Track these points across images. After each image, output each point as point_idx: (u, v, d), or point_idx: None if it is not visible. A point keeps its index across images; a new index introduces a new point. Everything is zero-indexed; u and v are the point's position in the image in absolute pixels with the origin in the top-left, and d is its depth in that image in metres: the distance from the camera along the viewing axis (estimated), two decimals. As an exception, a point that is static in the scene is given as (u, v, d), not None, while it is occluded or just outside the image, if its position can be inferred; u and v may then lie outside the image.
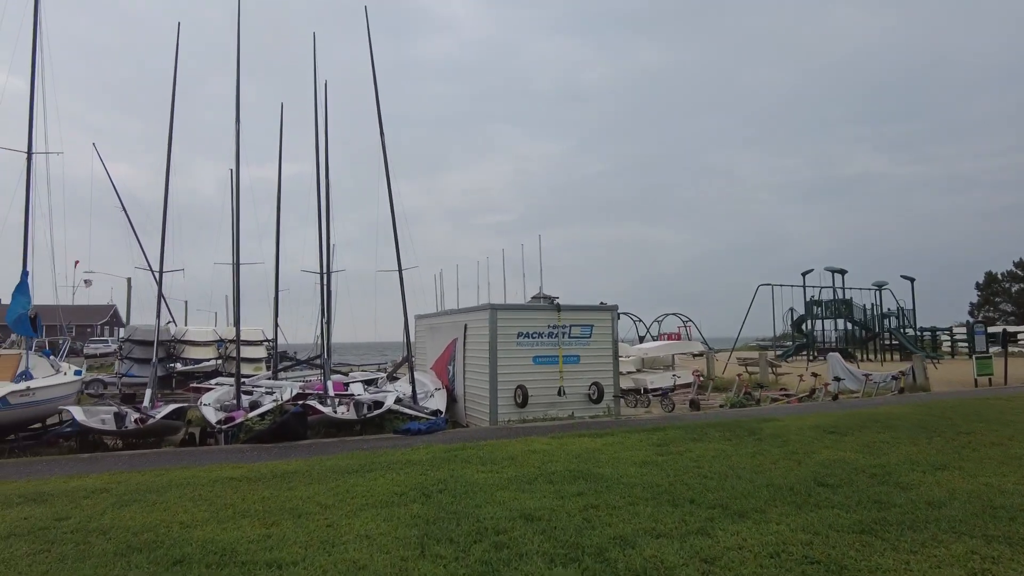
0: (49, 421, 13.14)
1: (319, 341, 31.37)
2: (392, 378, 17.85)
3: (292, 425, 11.07)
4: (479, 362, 13.88)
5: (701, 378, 20.73)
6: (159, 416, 11.12)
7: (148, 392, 13.09)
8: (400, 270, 14.92)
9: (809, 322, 43.21)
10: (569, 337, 14.13)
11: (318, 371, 24.77)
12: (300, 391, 16.81)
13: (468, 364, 14.65)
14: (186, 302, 30.02)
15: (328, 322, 17.35)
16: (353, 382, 20.19)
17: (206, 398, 14.07)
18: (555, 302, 14.03)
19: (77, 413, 10.70)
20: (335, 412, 12.25)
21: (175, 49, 15.29)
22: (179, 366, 24.13)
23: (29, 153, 15.03)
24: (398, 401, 13.17)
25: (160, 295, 14.55)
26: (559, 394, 13.71)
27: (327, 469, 7.80)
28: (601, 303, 14.87)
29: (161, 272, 14.71)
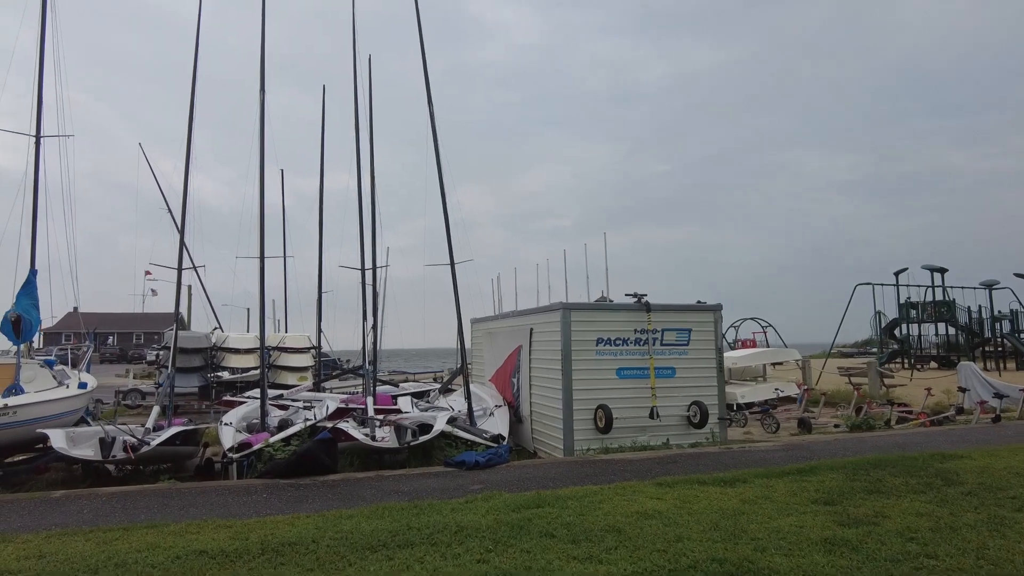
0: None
1: (367, 347, 29.56)
2: (446, 391, 15.38)
3: (316, 455, 8.72)
4: (549, 375, 11.26)
5: (810, 391, 17.53)
6: (155, 443, 8.95)
7: (154, 410, 11.01)
8: (452, 264, 12.47)
9: (904, 326, 38.64)
10: (662, 344, 11.35)
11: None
12: (342, 405, 14.61)
13: (535, 377, 12.04)
14: (211, 305, 28.29)
15: (375, 326, 15.07)
16: (402, 394, 17.93)
17: (230, 416, 11.93)
18: (643, 300, 11.28)
19: (56, 438, 8.66)
20: (372, 439, 9.84)
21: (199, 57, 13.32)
22: (226, 375, 22.40)
23: (38, 137, 13.32)
24: (451, 421, 10.66)
25: (178, 293, 12.54)
26: (651, 417, 10.93)
27: (342, 539, 5.29)
28: (699, 302, 12.04)
29: (180, 269, 12.70)
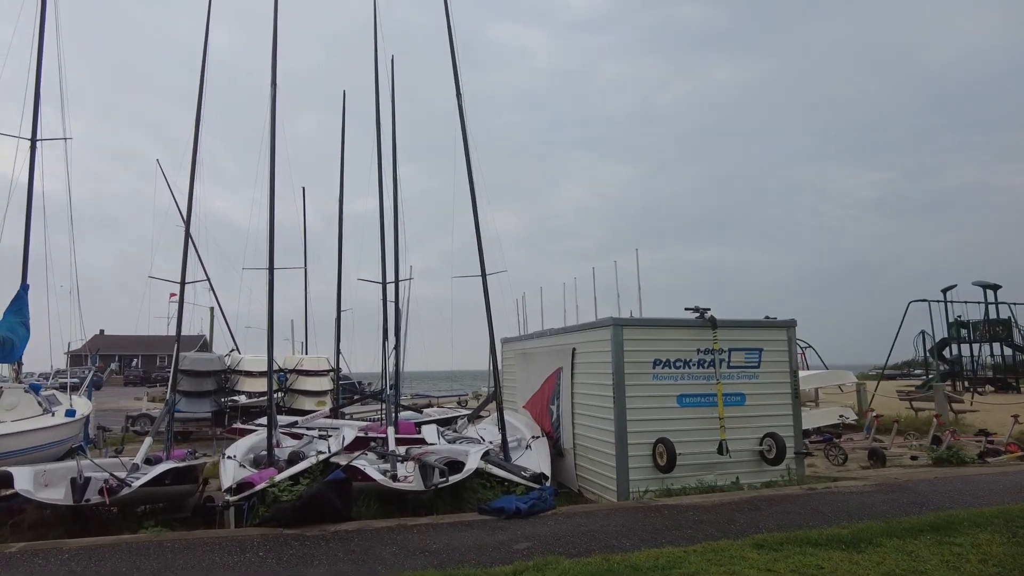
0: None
1: (390, 370, 28.16)
2: (475, 418, 13.85)
3: (327, 499, 7.28)
4: (597, 402, 9.73)
5: (879, 418, 15.70)
6: (138, 483, 7.57)
7: (145, 442, 9.63)
8: (483, 275, 11.03)
9: (954, 346, 36.13)
10: (729, 367, 9.77)
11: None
12: (361, 434, 13.17)
13: (579, 404, 10.50)
14: (227, 324, 27.04)
15: (397, 346, 13.66)
16: (426, 422, 16.44)
17: (235, 447, 10.52)
18: (708, 315, 9.73)
19: (20, 478, 7.33)
20: (393, 478, 8.37)
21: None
22: (243, 399, 21.14)
23: (33, 140, 12.26)
24: (484, 456, 9.14)
25: (181, 309, 11.28)
26: (720, 452, 9.33)
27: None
28: (767, 317, 10.46)
29: (183, 283, 11.45)
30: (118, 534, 7.61)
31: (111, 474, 7.73)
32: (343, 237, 20.62)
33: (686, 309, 9.93)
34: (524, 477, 9.02)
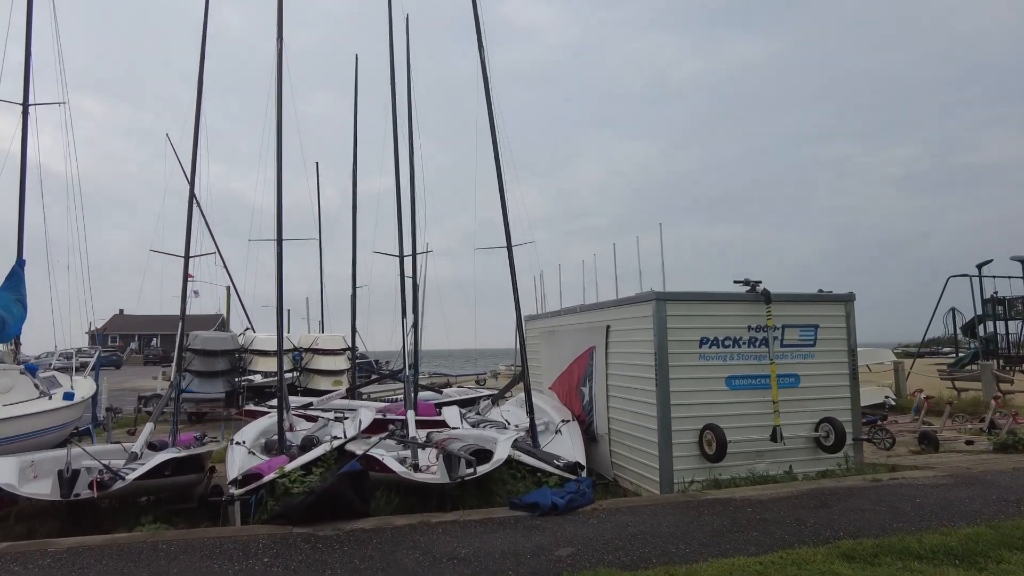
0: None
1: (408, 348, 27.42)
2: (500, 399, 13.02)
3: (342, 494, 6.51)
4: (636, 384, 8.86)
5: (930, 399, 14.69)
6: (132, 476, 6.84)
7: (146, 428, 8.90)
8: (509, 245, 10.12)
9: (988, 324, 34.66)
10: (782, 345, 8.84)
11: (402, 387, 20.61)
12: (379, 416, 12.43)
13: (614, 387, 9.65)
14: (241, 302, 26.35)
15: (416, 323, 12.83)
16: (447, 403, 15.68)
17: (245, 432, 9.80)
18: (760, 288, 8.79)
19: (3, 470, 6.63)
20: (415, 467, 7.58)
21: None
22: (258, 378, 20.51)
23: (25, 105, 11.47)
24: (515, 444, 8.31)
25: (185, 282, 10.53)
26: (773, 439, 8.44)
27: None
28: (820, 291, 9.48)
29: (187, 257, 10.69)
30: (115, 528, 6.94)
31: (104, 466, 7.00)
32: (357, 211, 19.82)
33: (735, 282, 9.00)
34: (558, 467, 8.20)
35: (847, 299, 9.26)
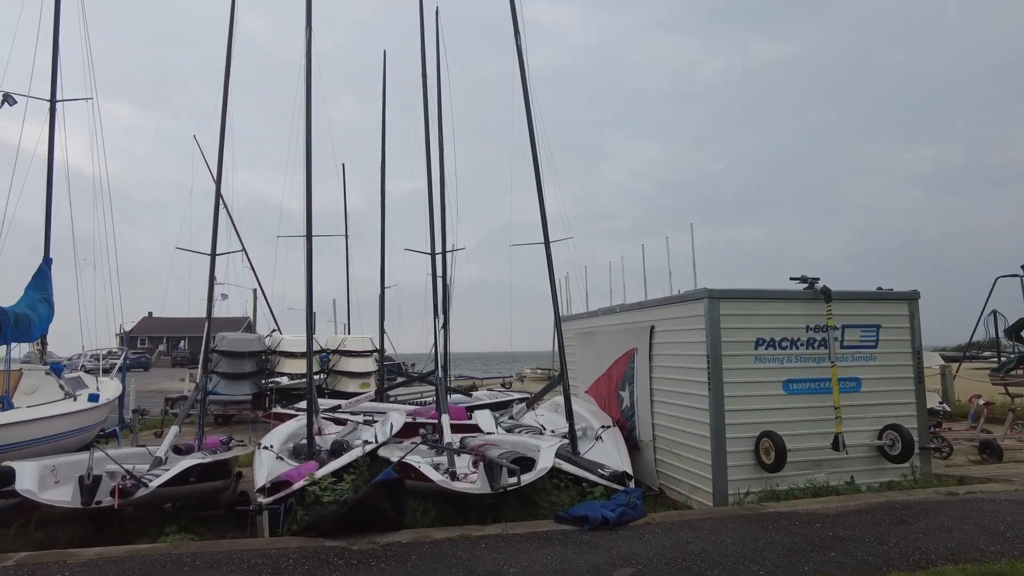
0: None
1: (434, 351, 27.01)
2: (534, 403, 12.50)
3: (377, 505, 6.08)
4: (685, 388, 8.32)
5: (990, 406, 13.89)
6: (155, 483, 6.48)
7: (170, 431, 8.56)
8: (547, 241, 9.64)
9: (1034, 328, 33.18)
10: (842, 347, 8.25)
11: (432, 390, 20.19)
12: (409, 419, 12.03)
13: (659, 391, 9.11)
14: (268, 303, 26.09)
15: (446, 324, 12.40)
16: (478, 406, 15.23)
17: (272, 436, 9.41)
18: (819, 285, 8.20)
19: (24, 475, 6.32)
20: (452, 475, 7.13)
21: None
22: (285, 380, 20.25)
23: (53, 101, 11.29)
24: (556, 453, 7.80)
25: (211, 281, 10.22)
26: (835, 447, 7.84)
27: None
28: (879, 288, 8.85)
29: (213, 255, 10.39)
30: (138, 537, 6.59)
31: (126, 471, 6.65)
32: (385, 210, 19.52)
33: (791, 279, 8.42)
34: (603, 476, 7.71)
35: (911, 297, 8.63)
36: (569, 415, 9.31)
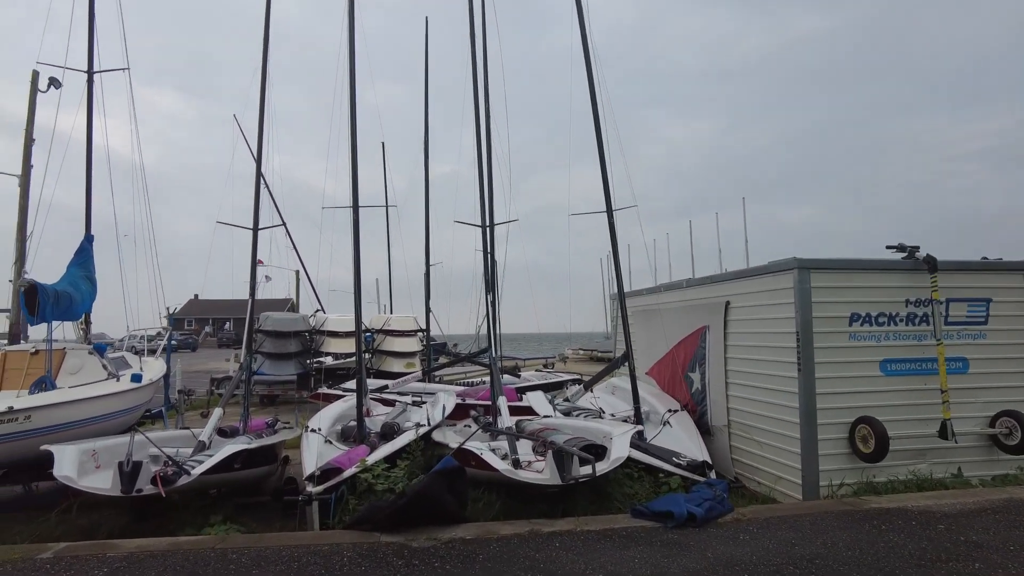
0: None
1: (481, 329, 26.46)
2: (592, 384, 11.79)
3: (437, 497, 5.51)
4: (767, 370, 7.54)
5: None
6: (198, 471, 6.04)
7: (214, 414, 8.14)
8: (610, 210, 8.89)
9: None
10: (946, 323, 7.34)
11: (482, 371, 19.67)
12: (460, 401, 11.49)
13: (735, 372, 8.34)
14: (311, 283, 25.85)
15: (493, 302, 11.76)
16: (529, 387, 14.63)
17: (320, 418, 8.95)
18: (921, 254, 7.29)
19: (62, 460, 5.94)
20: (515, 463, 6.51)
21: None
22: (329, 360, 19.98)
23: (90, 73, 10.92)
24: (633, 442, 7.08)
25: (254, 258, 9.78)
26: (943, 435, 6.97)
27: None
28: (983, 259, 7.87)
29: (256, 229, 9.93)
30: (182, 527, 6.16)
31: (168, 458, 6.22)
32: (430, 187, 18.95)
33: (888, 247, 7.52)
34: (679, 465, 7.01)
35: (1026, 268, 7.65)
36: (636, 398, 8.63)
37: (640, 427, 7.75)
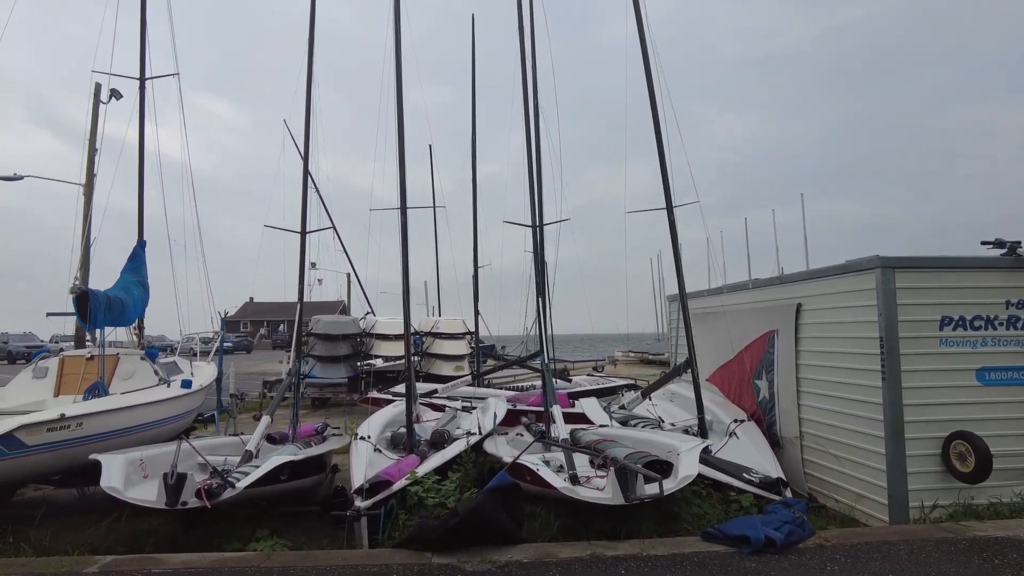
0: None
1: (531, 332, 26.08)
2: (651, 392, 11.26)
3: (491, 516, 5.16)
4: (845, 379, 6.94)
5: None
6: (243, 483, 5.83)
7: (262, 422, 7.98)
8: (670, 206, 8.40)
9: None
10: (1052, 326, 6.61)
11: (531, 374, 19.29)
12: (511, 406, 11.14)
13: (808, 381, 7.73)
14: (361, 286, 25.85)
15: (544, 303, 11.35)
16: (581, 392, 14.18)
17: (368, 424, 8.70)
18: (1019, 249, 6.59)
19: (109, 470, 5.82)
20: (573, 479, 6.10)
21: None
22: (379, 363, 19.92)
23: (142, 79, 11.00)
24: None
25: (303, 260, 9.62)
26: (1054, 453, 6.27)
27: None
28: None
29: (304, 232, 9.78)
30: (228, 539, 5.96)
31: (214, 469, 6.04)
32: (477, 188, 18.72)
33: (983, 243, 6.84)
34: (751, 482, 6.49)
35: None
36: (700, 408, 8.11)
37: (708, 442, 7.24)
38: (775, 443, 8.20)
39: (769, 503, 6.08)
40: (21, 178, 16.75)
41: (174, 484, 5.36)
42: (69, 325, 13.73)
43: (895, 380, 6.29)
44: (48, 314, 10.87)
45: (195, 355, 14.59)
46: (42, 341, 36.00)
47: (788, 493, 6.43)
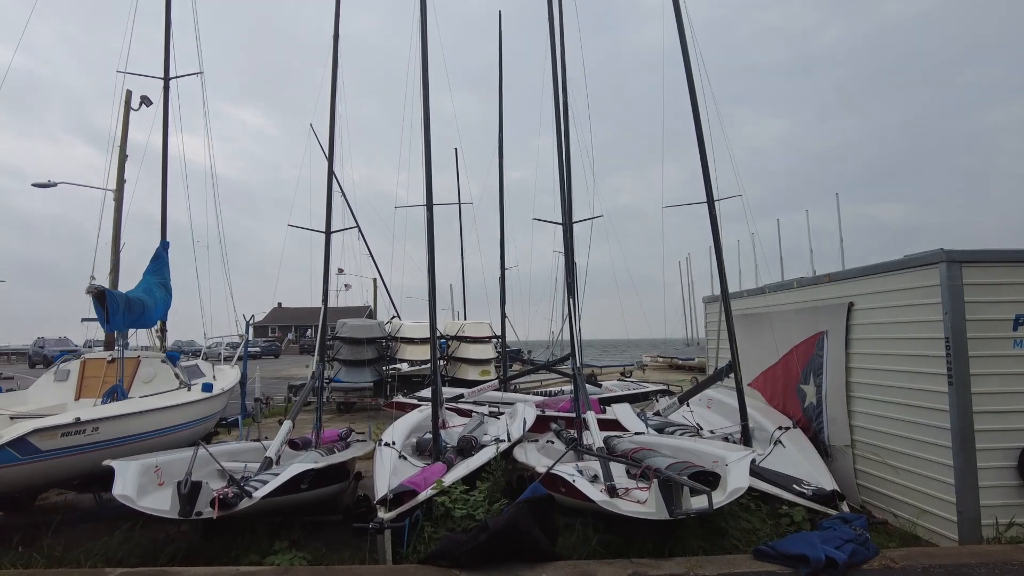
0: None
1: (558, 335, 25.61)
2: (687, 398, 10.76)
3: (524, 531, 4.77)
4: (902, 382, 6.41)
5: None
6: (261, 493, 5.52)
7: (283, 428, 7.67)
8: (711, 200, 7.94)
9: None
10: None
11: (559, 379, 18.83)
12: (540, 412, 10.75)
13: (860, 385, 7.20)
14: (387, 289, 25.67)
15: (574, 304, 10.92)
16: (614, 397, 13.72)
17: (393, 430, 8.34)
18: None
19: (122, 478, 5.55)
20: (611, 491, 5.67)
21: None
22: (405, 367, 19.64)
23: (166, 79, 10.86)
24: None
25: (327, 264, 9.34)
26: None
27: None
28: None
29: (328, 232, 9.52)
30: (246, 549, 5.66)
31: (231, 477, 5.74)
32: (504, 190, 18.37)
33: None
34: (802, 494, 6.00)
35: None
36: (743, 415, 7.63)
37: (755, 451, 6.76)
38: (823, 452, 7.68)
39: (824, 518, 5.60)
40: (55, 185, 16.91)
41: (188, 493, 5.06)
42: (102, 330, 13.74)
43: (963, 385, 5.76)
44: (82, 319, 10.83)
45: (220, 359, 14.47)
46: (76, 346, 36.56)
47: (845, 507, 5.94)
